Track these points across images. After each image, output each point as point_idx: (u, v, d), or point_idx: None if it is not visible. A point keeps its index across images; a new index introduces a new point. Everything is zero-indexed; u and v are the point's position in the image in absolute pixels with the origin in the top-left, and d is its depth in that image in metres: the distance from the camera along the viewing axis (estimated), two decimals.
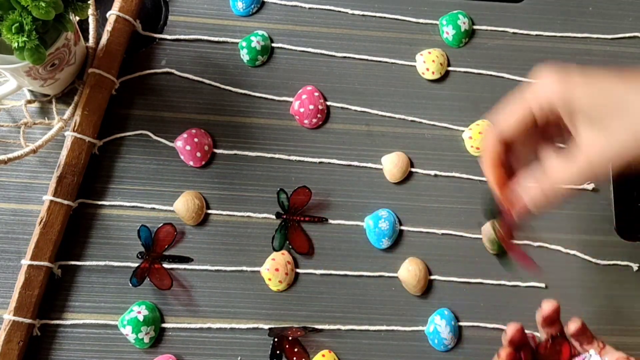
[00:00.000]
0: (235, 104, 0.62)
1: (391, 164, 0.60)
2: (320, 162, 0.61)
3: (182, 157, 0.59)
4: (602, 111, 0.36)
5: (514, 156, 0.42)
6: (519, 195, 0.40)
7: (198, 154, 0.59)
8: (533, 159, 0.42)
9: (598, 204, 0.62)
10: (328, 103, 0.62)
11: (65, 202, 0.55)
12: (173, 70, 0.61)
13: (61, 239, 0.55)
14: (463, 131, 0.63)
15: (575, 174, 0.38)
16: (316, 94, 0.62)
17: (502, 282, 0.59)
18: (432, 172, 0.61)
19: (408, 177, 0.61)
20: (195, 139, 0.59)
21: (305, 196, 0.59)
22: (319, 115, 0.61)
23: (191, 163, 0.59)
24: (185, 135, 0.59)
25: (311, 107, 0.61)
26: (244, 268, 0.57)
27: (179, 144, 0.59)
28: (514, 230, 0.42)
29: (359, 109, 0.62)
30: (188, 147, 0.59)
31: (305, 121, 0.61)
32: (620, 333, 0.60)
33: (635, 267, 0.61)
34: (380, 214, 0.59)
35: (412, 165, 0.61)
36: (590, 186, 0.62)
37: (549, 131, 0.40)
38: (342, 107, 0.62)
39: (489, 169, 0.42)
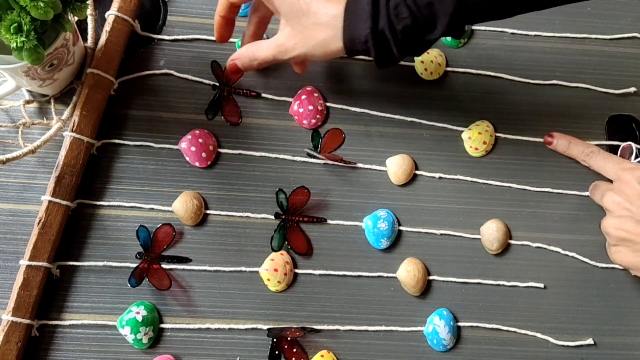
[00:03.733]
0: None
1: (396, 166, 0.60)
2: (319, 163, 0.61)
3: (187, 158, 0.59)
4: (293, 15, 0.50)
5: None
6: (234, 55, 0.57)
7: (203, 154, 0.59)
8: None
9: (598, 205, 0.62)
10: (328, 104, 0.62)
11: (64, 202, 0.55)
12: (172, 72, 0.61)
13: (60, 240, 0.55)
14: (462, 131, 0.63)
15: (269, 52, 0.53)
16: (316, 94, 0.62)
17: (501, 282, 0.60)
18: (437, 175, 0.61)
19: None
20: (200, 140, 0.59)
21: (304, 196, 0.59)
22: (318, 116, 0.61)
23: (197, 164, 0.59)
24: (189, 136, 0.59)
25: (310, 107, 0.61)
26: (243, 268, 0.57)
27: (183, 145, 0.59)
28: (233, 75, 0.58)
29: (358, 110, 0.62)
30: (193, 148, 0.59)
31: (305, 121, 0.61)
32: (619, 333, 0.60)
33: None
34: (379, 214, 0.59)
35: (416, 168, 0.61)
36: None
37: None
38: (341, 108, 0.62)
39: (217, 18, 0.56)
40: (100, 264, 0.56)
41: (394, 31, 0.47)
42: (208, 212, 0.58)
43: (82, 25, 0.60)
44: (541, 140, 0.64)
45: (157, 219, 0.58)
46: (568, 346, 0.59)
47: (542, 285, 0.60)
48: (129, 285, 0.54)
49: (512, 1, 0.49)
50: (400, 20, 0.46)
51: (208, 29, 0.63)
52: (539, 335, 0.59)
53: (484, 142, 0.62)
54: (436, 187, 0.61)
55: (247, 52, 0.55)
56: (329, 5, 0.48)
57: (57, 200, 0.55)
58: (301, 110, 0.61)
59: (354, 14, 0.47)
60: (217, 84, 0.61)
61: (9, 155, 0.53)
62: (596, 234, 0.61)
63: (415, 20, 0.46)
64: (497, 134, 0.63)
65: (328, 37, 0.49)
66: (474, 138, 0.62)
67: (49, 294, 0.55)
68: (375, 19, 0.46)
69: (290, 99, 0.62)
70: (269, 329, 0.56)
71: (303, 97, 0.61)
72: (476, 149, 0.62)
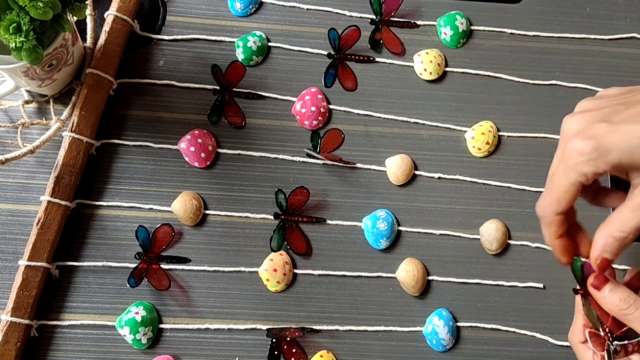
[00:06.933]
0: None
1: (395, 167, 0.60)
2: (318, 163, 0.61)
3: (186, 158, 0.59)
4: None
5: (568, 216, 0.43)
6: (593, 249, 0.41)
7: (202, 155, 0.59)
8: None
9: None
10: (331, 106, 0.62)
11: (63, 202, 0.55)
12: (173, 82, 0.61)
13: (59, 240, 0.55)
14: (463, 131, 0.63)
15: (636, 215, 0.38)
16: (319, 96, 0.62)
17: (500, 283, 0.59)
18: (436, 175, 0.61)
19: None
20: (199, 140, 0.59)
21: (304, 197, 0.59)
22: (320, 118, 0.61)
23: (196, 164, 0.59)
24: (188, 136, 0.59)
25: (313, 108, 0.61)
26: (242, 269, 0.57)
27: (182, 145, 0.59)
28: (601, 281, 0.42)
29: (361, 112, 0.62)
30: (192, 149, 0.59)
31: (306, 122, 0.61)
32: None
33: None
34: (378, 214, 0.59)
35: (415, 168, 0.61)
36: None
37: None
38: (344, 110, 0.62)
39: (558, 249, 0.43)
40: (100, 264, 0.56)
41: None
42: (207, 212, 0.58)
43: (81, 25, 0.60)
44: (540, 139, 0.64)
45: (156, 219, 0.58)
46: (567, 346, 0.59)
47: (541, 285, 0.60)
48: (128, 285, 0.54)
49: None
50: None
51: (207, 29, 0.63)
52: (538, 335, 0.59)
53: (487, 143, 0.62)
54: (435, 188, 0.61)
55: (606, 238, 0.40)
56: None
57: (56, 200, 0.54)
58: (303, 110, 0.61)
59: None
60: (218, 87, 0.61)
61: (8, 156, 0.53)
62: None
63: None
64: (500, 134, 0.63)
65: None
66: (477, 138, 0.62)
67: (48, 294, 0.55)
68: None
69: (293, 99, 0.62)
70: (268, 329, 0.56)
71: (307, 97, 0.61)
72: (479, 149, 0.62)
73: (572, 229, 0.43)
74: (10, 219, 0.57)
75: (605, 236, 0.40)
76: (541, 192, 0.62)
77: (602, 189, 0.43)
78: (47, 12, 0.46)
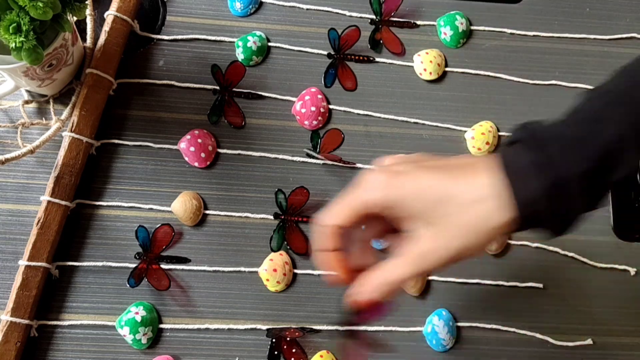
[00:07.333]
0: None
1: None
2: (318, 163, 0.61)
3: (186, 158, 0.59)
4: (430, 208, 0.37)
5: (349, 239, 0.41)
6: (364, 287, 0.40)
7: (202, 155, 0.59)
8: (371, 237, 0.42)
9: None
10: (331, 106, 0.62)
11: (63, 202, 0.55)
12: (173, 82, 0.61)
13: (59, 240, 0.55)
14: (463, 131, 0.63)
15: (407, 269, 0.38)
16: (319, 96, 0.62)
17: (500, 283, 0.60)
18: None
19: None
20: (199, 140, 0.59)
21: (303, 196, 0.59)
22: (319, 118, 0.61)
23: (196, 164, 0.59)
24: (188, 136, 0.59)
25: (313, 108, 0.61)
26: (242, 269, 0.57)
27: (182, 145, 0.59)
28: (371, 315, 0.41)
29: (361, 112, 0.62)
30: (192, 149, 0.59)
31: (306, 122, 0.61)
32: (618, 334, 0.60)
33: (632, 271, 0.61)
34: None
35: None
36: None
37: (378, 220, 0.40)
38: (344, 111, 0.62)
39: (322, 262, 0.41)
40: (100, 264, 0.56)
41: (574, 178, 0.36)
42: (207, 212, 0.58)
43: (81, 25, 0.60)
44: None
45: (156, 219, 0.58)
46: (567, 346, 0.59)
47: (541, 285, 0.60)
48: (128, 285, 0.54)
49: None
50: (580, 162, 0.36)
51: (207, 29, 0.63)
52: (538, 335, 0.59)
53: (487, 143, 0.62)
54: None
55: (371, 282, 0.39)
56: (472, 177, 0.37)
57: (56, 200, 0.54)
58: (303, 110, 0.61)
59: (517, 171, 0.36)
60: (218, 87, 0.61)
61: (8, 156, 0.53)
62: (596, 234, 0.61)
63: (599, 157, 0.36)
64: (500, 134, 0.63)
65: (489, 210, 0.36)
66: (477, 138, 0.62)
67: (48, 294, 0.55)
68: (551, 167, 0.36)
69: (292, 99, 0.62)
70: (268, 329, 0.56)
71: (307, 97, 0.61)
72: (479, 149, 0.62)
73: (360, 254, 0.42)
74: (10, 219, 0.57)
75: (377, 282, 0.39)
76: None
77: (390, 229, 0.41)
78: (47, 12, 0.46)
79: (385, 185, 0.38)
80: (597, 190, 0.37)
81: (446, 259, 0.38)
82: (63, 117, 0.57)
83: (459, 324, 0.58)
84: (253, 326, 0.56)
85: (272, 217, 0.59)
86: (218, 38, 0.63)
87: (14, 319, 0.52)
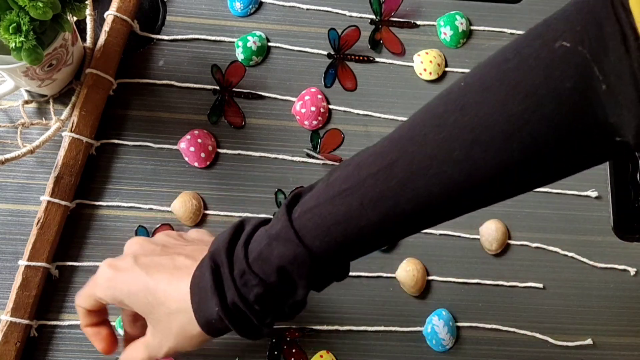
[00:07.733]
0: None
1: None
2: (318, 163, 0.61)
3: (186, 158, 0.59)
4: (145, 311, 0.42)
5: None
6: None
7: (202, 155, 0.59)
8: None
9: (596, 205, 0.62)
10: (330, 106, 0.62)
11: (63, 202, 0.55)
12: (173, 82, 0.61)
13: (58, 240, 0.55)
14: None
15: (142, 354, 0.43)
16: (319, 96, 0.62)
17: (500, 283, 0.60)
18: None
19: None
20: (199, 140, 0.59)
21: None
22: (319, 118, 0.61)
23: (196, 164, 0.59)
24: (188, 136, 0.59)
25: (313, 108, 0.61)
26: None
27: (182, 145, 0.59)
28: None
29: (361, 112, 0.62)
30: (192, 149, 0.59)
31: (306, 122, 0.61)
32: (618, 334, 0.60)
33: (632, 271, 0.61)
34: None
35: None
36: (594, 194, 0.62)
37: None
38: (344, 111, 0.62)
39: (88, 336, 0.47)
40: (99, 264, 0.56)
41: (246, 302, 0.38)
42: (207, 212, 0.58)
43: (81, 25, 0.60)
44: None
45: (156, 219, 0.58)
46: (567, 346, 0.59)
47: (541, 285, 0.60)
48: None
49: (374, 239, 0.41)
50: (250, 289, 0.38)
51: (207, 29, 0.63)
52: (537, 335, 0.59)
53: None
54: None
55: (125, 356, 0.45)
56: (175, 284, 0.40)
57: (56, 200, 0.54)
58: (303, 110, 0.61)
59: (202, 290, 0.39)
60: (218, 87, 0.61)
61: (7, 156, 0.53)
62: (595, 234, 0.61)
63: (267, 287, 0.38)
64: None
65: (184, 323, 0.40)
66: None
67: (48, 294, 0.55)
68: (221, 293, 0.38)
69: (292, 99, 0.62)
70: None
71: (306, 97, 0.61)
72: None
73: (129, 324, 0.48)
74: (10, 219, 0.57)
75: (125, 355, 0.45)
76: (542, 192, 0.62)
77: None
78: (47, 12, 0.46)
79: (108, 285, 0.43)
80: (275, 311, 0.40)
81: (165, 354, 0.43)
82: (63, 117, 0.57)
83: (459, 324, 0.58)
84: None
85: (272, 217, 0.58)
86: (218, 38, 0.63)
87: (13, 319, 0.52)
